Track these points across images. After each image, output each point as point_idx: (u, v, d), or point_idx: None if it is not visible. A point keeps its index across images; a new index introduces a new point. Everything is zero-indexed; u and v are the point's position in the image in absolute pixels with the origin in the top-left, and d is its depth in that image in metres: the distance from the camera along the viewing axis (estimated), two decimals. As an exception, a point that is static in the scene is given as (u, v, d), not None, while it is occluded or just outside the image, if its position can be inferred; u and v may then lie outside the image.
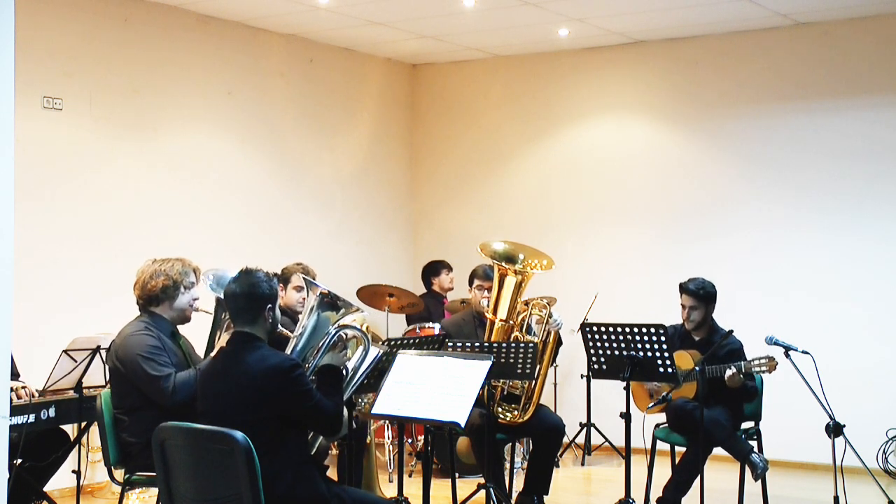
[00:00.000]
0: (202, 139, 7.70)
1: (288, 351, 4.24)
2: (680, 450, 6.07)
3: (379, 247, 9.17)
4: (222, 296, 4.46)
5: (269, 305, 4.03)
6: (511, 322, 5.93)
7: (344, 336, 4.24)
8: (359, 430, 5.46)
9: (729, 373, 5.68)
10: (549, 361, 5.93)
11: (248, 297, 4.00)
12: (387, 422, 6.96)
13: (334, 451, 6.38)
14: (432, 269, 8.62)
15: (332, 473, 4.46)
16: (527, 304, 5.97)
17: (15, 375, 5.23)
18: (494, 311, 5.95)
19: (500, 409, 5.90)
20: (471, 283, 6.37)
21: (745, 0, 7.22)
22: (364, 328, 4.39)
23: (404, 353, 4.46)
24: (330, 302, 4.24)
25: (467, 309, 6.64)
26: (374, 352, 4.40)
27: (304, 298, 5.55)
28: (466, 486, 6.21)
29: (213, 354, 4.33)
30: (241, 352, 3.95)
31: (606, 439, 8.06)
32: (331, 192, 8.72)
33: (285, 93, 8.33)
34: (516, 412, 5.88)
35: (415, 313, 8.09)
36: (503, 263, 5.92)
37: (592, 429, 8.12)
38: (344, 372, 4.24)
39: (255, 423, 3.76)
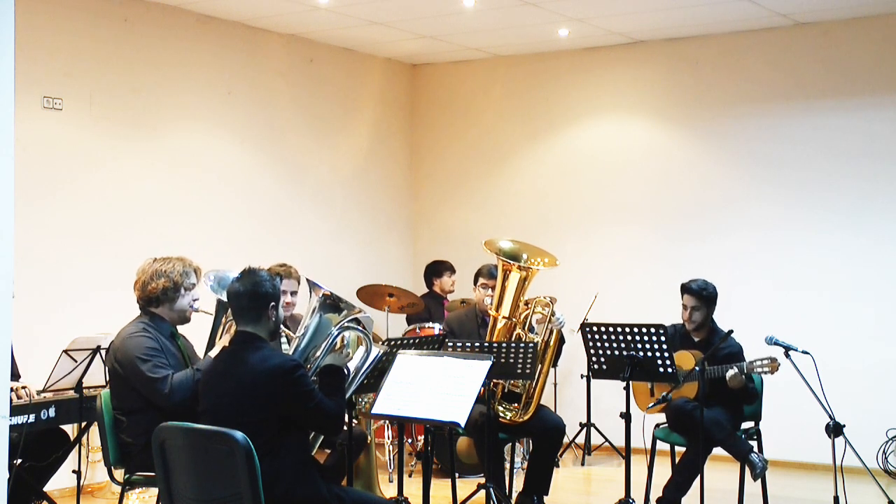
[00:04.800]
0: (202, 139, 7.69)
1: (290, 351, 4.24)
2: (680, 450, 6.06)
3: (379, 247, 9.17)
4: (223, 297, 4.45)
5: (273, 304, 4.04)
6: (514, 320, 5.94)
7: (345, 336, 4.25)
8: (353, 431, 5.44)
9: (730, 373, 5.68)
10: (552, 360, 5.93)
11: (251, 297, 4.01)
12: (387, 422, 6.96)
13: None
14: (434, 270, 8.60)
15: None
16: (527, 304, 5.96)
17: (15, 376, 5.23)
18: (498, 308, 5.95)
19: (500, 408, 5.90)
20: (475, 282, 6.38)
21: (746, 0, 7.22)
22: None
23: (404, 353, 4.46)
24: (332, 303, 4.24)
25: (469, 307, 6.65)
26: (374, 352, 4.41)
27: (287, 303, 5.47)
28: (466, 486, 6.22)
29: (215, 354, 4.33)
30: (243, 352, 3.96)
31: (606, 439, 8.06)
32: (331, 192, 8.72)
33: (285, 93, 8.33)
34: (517, 410, 5.88)
35: (415, 313, 8.08)
36: (507, 260, 5.93)
37: (592, 429, 8.12)
38: (345, 372, 4.25)
39: (257, 423, 3.77)
